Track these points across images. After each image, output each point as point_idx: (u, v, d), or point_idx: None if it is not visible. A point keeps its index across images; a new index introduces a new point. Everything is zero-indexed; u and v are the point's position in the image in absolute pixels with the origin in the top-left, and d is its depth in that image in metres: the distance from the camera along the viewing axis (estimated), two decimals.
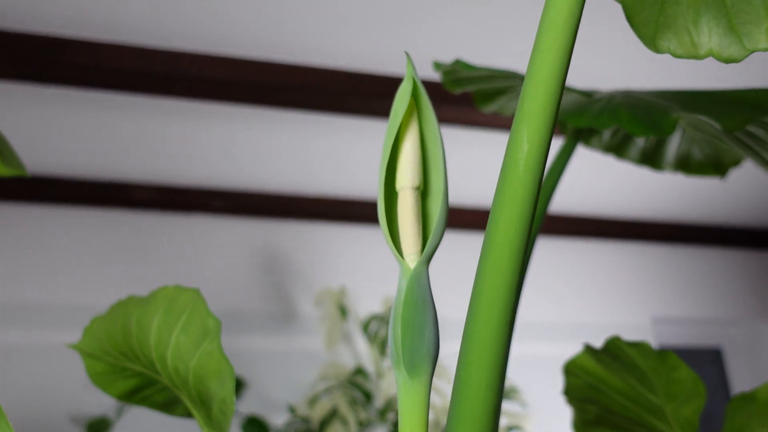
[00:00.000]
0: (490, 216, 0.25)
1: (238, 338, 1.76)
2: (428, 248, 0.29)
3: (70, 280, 1.67)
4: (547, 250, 2.14)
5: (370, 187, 1.94)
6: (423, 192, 0.31)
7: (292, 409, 1.61)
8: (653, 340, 2.23)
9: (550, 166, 0.53)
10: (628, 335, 2.19)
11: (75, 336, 1.61)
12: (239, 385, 1.65)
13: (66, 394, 1.53)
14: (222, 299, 1.78)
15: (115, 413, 1.53)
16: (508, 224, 0.24)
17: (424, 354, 0.27)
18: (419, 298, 0.28)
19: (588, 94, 0.56)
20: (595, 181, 1.92)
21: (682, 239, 2.33)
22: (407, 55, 0.29)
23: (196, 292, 0.39)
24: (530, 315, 1.99)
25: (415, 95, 0.30)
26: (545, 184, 0.49)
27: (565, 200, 2.06)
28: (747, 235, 2.40)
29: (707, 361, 2.46)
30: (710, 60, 1.43)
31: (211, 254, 1.82)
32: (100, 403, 1.54)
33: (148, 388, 0.46)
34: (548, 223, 2.12)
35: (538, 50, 0.26)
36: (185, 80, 1.28)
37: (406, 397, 0.27)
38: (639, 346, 0.50)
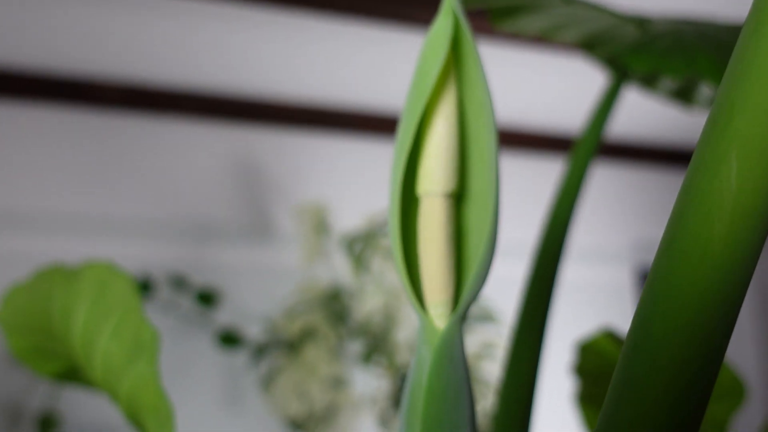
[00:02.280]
0: (642, 315, 0.15)
1: (213, 249, 1.68)
2: (467, 294, 0.18)
3: (24, 183, 1.55)
4: (526, 168, 2.04)
5: (358, 95, 1.80)
6: (458, 197, 0.19)
7: (268, 323, 1.57)
8: (632, 264, 2.21)
9: (593, 113, 0.42)
10: (607, 258, 2.17)
11: (34, 243, 1.51)
12: (214, 297, 1.60)
13: None
14: (195, 209, 1.68)
15: None
16: (689, 342, 0.14)
17: None
18: (451, 382, 0.17)
19: (640, 22, 0.44)
20: (578, 98, 1.80)
21: (666, 162, 2.26)
22: None
23: (130, 282, 0.29)
24: (509, 234, 1.93)
25: (455, 43, 0.18)
26: (588, 137, 0.39)
27: (544, 116, 1.95)
28: None
29: None
30: None
31: (183, 161, 1.70)
32: None
33: (83, 372, 0.38)
34: (526, 139, 2.01)
35: None
36: None
37: None
38: None
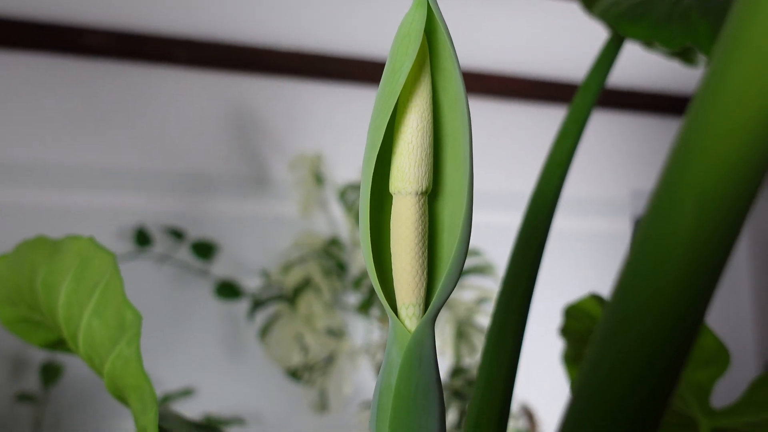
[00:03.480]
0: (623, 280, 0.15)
1: (208, 201, 1.68)
2: (438, 296, 0.17)
3: (13, 132, 1.53)
4: (521, 115, 2.01)
5: (356, 42, 1.75)
6: (431, 193, 0.19)
7: (265, 275, 1.59)
8: (631, 214, 2.22)
9: (593, 63, 0.41)
10: (606, 209, 2.17)
11: (19, 194, 1.51)
12: (211, 249, 1.61)
13: None
14: (189, 160, 1.67)
15: None
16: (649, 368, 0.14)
17: None
18: (421, 385, 0.17)
19: None
20: (573, 43, 1.75)
21: (665, 110, 2.23)
22: None
23: (112, 259, 0.29)
24: (506, 184, 1.93)
25: (429, 33, 0.18)
26: (587, 89, 0.38)
27: (537, 61, 1.90)
28: None
29: None
30: None
31: (176, 111, 1.67)
32: None
33: (69, 345, 0.38)
34: (520, 86, 1.97)
35: None
36: None
37: None
38: None
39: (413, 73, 0.18)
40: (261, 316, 1.56)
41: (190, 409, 1.52)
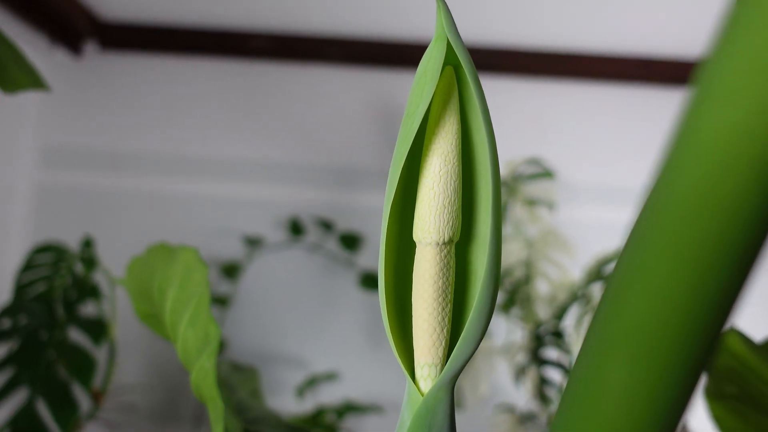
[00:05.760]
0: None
1: (355, 193, 1.75)
2: (455, 359, 0.15)
3: (189, 130, 1.71)
4: (639, 100, 1.78)
5: (503, 34, 1.70)
6: (465, 239, 0.17)
7: None
8: None
9: None
10: None
11: (193, 186, 1.68)
12: (356, 241, 1.67)
13: (197, 239, 1.65)
14: (339, 154, 1.75)
15: (245, 258, 1.64)
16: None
17: None
18: None
19: None
20: (695, 18, 1.49)
21: None
22: None
23: (206, 273, 0.31)
24: (621, 180, 1.74)
25: (458, 68, 0.16)
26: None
27: (652, 41, 1.66)
28: None
29: None
30: None
31: (328, 106, 1.76)
32: (230, 248, 1.64)
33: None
34: (634, 70, 1.74)
35: None
36: None
37: None
38: None
39: (437, 112, 0.16)
40: None
41: (333, 393, 1.60)
